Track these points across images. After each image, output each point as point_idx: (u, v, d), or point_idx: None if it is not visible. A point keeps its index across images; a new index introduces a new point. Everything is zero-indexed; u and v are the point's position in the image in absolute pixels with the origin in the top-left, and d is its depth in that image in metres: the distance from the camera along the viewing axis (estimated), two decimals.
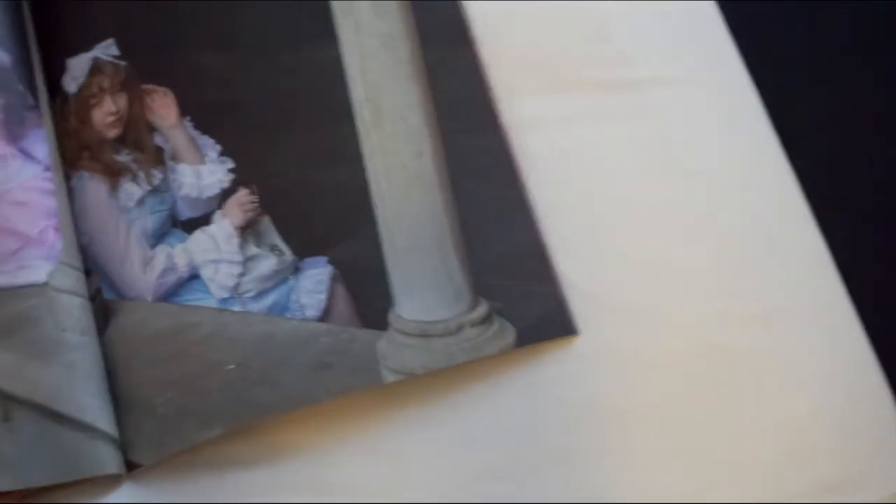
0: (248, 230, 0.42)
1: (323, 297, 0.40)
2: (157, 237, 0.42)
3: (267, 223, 0.42)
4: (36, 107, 0.43)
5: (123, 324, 0.40)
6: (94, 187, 0.42)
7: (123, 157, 0.43)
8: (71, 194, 0.42)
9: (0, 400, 0.38)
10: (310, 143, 0.43)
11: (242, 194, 0.42)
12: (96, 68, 0.43)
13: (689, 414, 0.38)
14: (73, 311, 0.40)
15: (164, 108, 0.43)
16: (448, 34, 0.44)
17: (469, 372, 0.39)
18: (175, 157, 0.43)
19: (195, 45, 0.44)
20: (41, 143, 0.42)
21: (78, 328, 0.40)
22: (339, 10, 0.41)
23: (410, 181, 0.41)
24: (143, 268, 0.41)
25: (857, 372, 0.39)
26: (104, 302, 0.41)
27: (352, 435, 0.39)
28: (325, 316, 0.40)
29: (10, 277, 0.41)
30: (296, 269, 0.41)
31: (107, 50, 0.43)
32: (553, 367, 0.39)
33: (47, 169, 0.42)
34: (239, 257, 0.41)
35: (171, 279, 0.41)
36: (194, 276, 0.42)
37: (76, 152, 0.43)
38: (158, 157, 0.43)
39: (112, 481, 0.39)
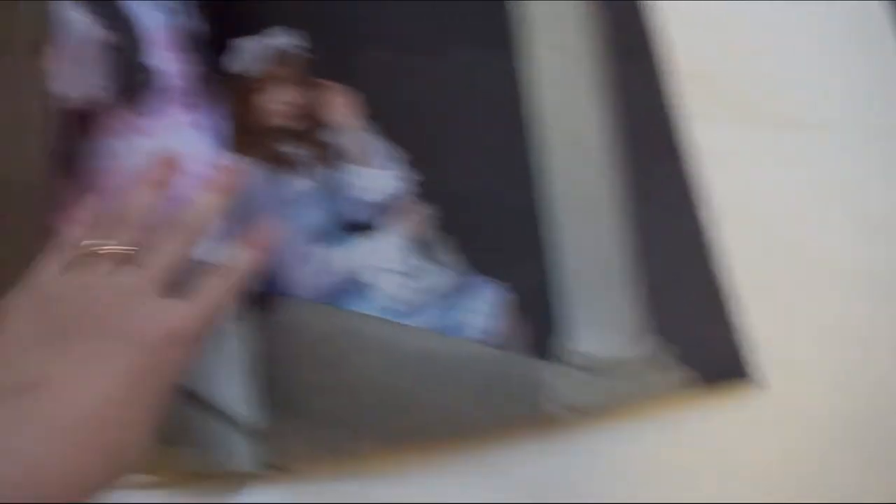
0: (416, 242, 0.41)
1: (489, 318, 0.39)
2: (316, 235, 0.41)
3: (436, 237, 0.41)
4: (218, 82, 0.42)
5: (287, 321, 0.38)
6: (252, 173, 0.41)
7: (288, 149, 0.42)
8: None
9: None
10: (486, 157, 0.42)
11: (413, 204, 0.41)
12: (280, 56, 0.42)
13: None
14: None
15: (344, 106, 0.42)
16: (632, 48, 0.44)
17: (636, 410, 0.39)
18: (345, 157, 0.42)
19: (376, 45, 0.43)
20: (212, 119, 0.41)
21: (232, 313, 0.38)
22: (521, 18, 0.41)
23: (590, 208, 0.41)
24: (297, 263, 0.40)
25: None
26: (261, 294, 0.39)
27: (508, 466, 0.38)
28: (488, 338, 0.39)
29: None
30: (461, 287, 0.40)
31: (293, 40, 0.43)
32: (730, 414, 0.39)
33: (217, 144, 0.41)
34: (404, 268, 0.40)
35: (327, 280, 0.40)
36: (355, 282, 0.40)
37: (241, 136, 0.41)
38: (325, 154, 0.42)
39: (245, 478, 0.37)
